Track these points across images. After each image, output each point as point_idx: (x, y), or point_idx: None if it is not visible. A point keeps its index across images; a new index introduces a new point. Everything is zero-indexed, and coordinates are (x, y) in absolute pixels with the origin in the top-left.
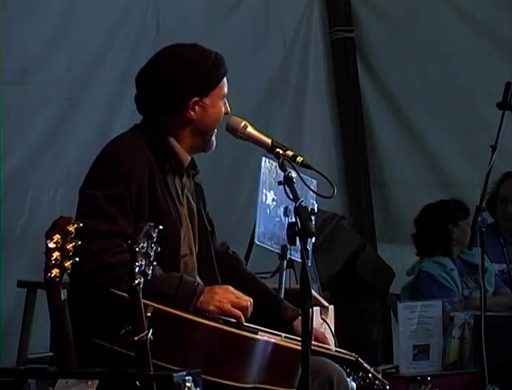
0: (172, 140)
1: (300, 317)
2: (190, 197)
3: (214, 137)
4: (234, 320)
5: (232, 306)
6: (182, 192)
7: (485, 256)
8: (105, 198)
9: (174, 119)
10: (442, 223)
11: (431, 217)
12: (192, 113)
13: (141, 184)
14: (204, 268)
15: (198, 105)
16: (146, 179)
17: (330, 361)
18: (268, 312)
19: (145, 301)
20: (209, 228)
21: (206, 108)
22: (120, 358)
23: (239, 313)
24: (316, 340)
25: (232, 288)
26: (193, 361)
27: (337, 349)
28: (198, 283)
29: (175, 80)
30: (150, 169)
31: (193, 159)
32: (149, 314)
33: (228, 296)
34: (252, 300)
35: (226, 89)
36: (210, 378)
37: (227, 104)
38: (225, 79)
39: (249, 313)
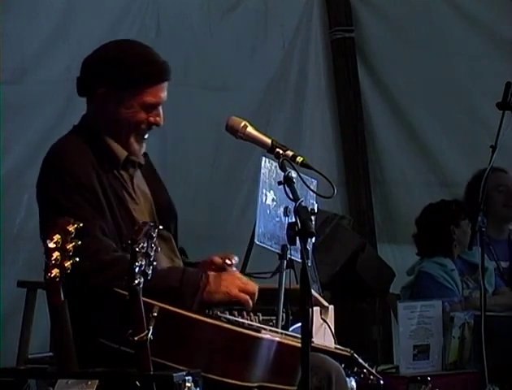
0: (105, 135)
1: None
2: (144, 187)
3: (136, 144)
4: (240, 309)
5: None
6: (132, 185)
7: (486, 256)
8: (74, 202)
9: (91, 104)
10: (443, 223)
11: (432, 217)
12: (101, 103)
13: (94, 185)
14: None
15: (109, 97)
16: (96, 181)
17: (328, 357)
18: None
19: (151, 301)
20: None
21: (120, 104)
22: (126, 358)
23: (246, 297)
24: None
25: (238, 274)
26: (198, 360)
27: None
28: (202, 274)
29: (95, 62)
30: (96, 171)
31: (128, 147)
32: (155, 314)
33: (235, 282)
34: (257, 287)
35: (152, 100)
36: (215, 377)
37: (158, 116)
38: (156, 89)
39: (256, 299)
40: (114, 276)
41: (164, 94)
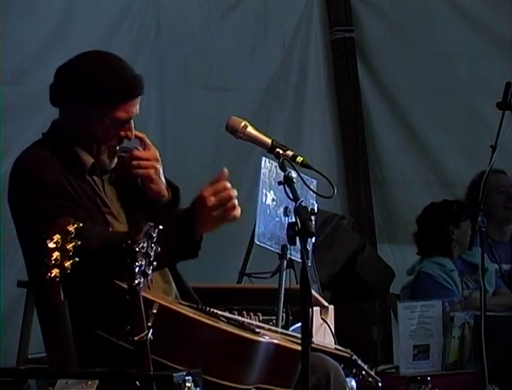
0: (72, 142)
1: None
2: (115, 189)
3: (107, 158)
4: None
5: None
6: (104, 189)
7: (486, 256)
8: (58, 207)
9: (62, 114)
10: (443, 223)
11: (432, 217)
12: (73, 115)
13: (67, 189)
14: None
15: (80, 110)
16: (66, 184)
17: (327, 356)
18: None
19: (151, 298)
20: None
21: (91, 118)
22: (124, 353)
23: (232, 214)
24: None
25: (205, 193)
26: (195, 360)
27: (333, 346)
28: (181, 214)
29: (68, 74)
30: (62, 174)
31: (99, 161)
32: (154, 311)
33: (212, 204)
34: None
35: (123, 116)
36: (210, 378)
37: (129, 130)
38: (128, 105)
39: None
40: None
41: (137, 108)
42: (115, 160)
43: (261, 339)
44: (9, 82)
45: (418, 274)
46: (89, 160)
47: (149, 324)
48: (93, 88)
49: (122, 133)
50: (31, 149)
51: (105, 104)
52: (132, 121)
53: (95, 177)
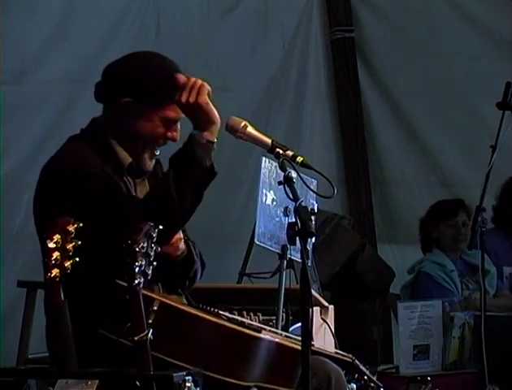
0: (113, 141)
1: None
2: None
3: (148, 158)
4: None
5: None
6: (135, 190)
7: (488, 258)
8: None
9: (110, 111)
10: (424, 222)
11: (424, 215)
12: (123, 112)
13: (98, 182)
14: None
15: (132, 108)
16: (102, 178)
17: (328, 360)
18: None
19: (151, 295)
20: None
21: (141, 117)
22: (125, 351)
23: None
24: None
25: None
26: (197, 356)
27: (335, 351)
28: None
29: (123, 71)
30: (101, 169)
31: (138, 162)
32: (155, 308)
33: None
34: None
35: (173, 115)
36: (212, 374)
37: (176, 131)
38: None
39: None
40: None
41: None
42: (153, 162)
43: (262, 336)
44: (9, 82)
45: (417, 273)
46: (127, 159)
47: (150, 321)
48: (148, 87)
49: (169, 134)
50: (70, 144)
51: (156, 102)
52: (178, 123)
53: (129, 178)
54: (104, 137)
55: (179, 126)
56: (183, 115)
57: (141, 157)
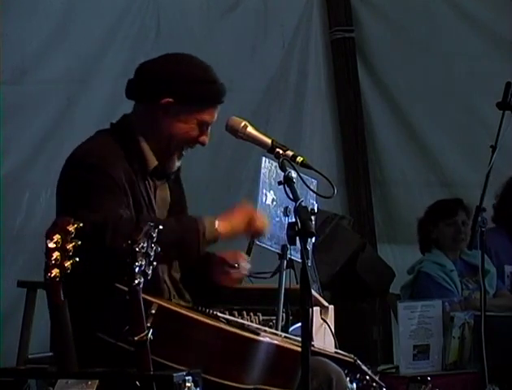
0: (142, 140)
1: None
2: (167, 200)
3: (177, 159)
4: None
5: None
6: (155, 194)
7: (488, 258)
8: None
9: (146, 110)
10: (423, 222)
11: (423, 215)
12: (162, 113)
13: (120, 176)
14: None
15: (171, 109)
16: (123, 176)
17: (329, 360)
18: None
19: (150, 298)
20: None
21: (178, 118)
22: (124, 354)
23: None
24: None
25: (245, 205)
26: (195, 360)
27: (336, 351)
28: (196, 219)
29: (164, 72)
30: (124, 166)
31: (165, 164)
32: (153, 312)
33: (246, 213)
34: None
35: (208, 120)
36: (211, 377)
37: (206, 136)
38: (213, 110)
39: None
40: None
41: (216, 116)
42: (179, 163)
43: (261, 338)
44: (9, 82)
45: (417, 273)
46: (154, 161)
47: (148, 325)
48: (190, 89)
49: (200, 138)
50: (97, 137)
51: (197, 105)
52: (209, 127)
53: (151, 181)
54: (133, 135)
55: (209, 130)
56: (215, 120)
57: (171, 157)
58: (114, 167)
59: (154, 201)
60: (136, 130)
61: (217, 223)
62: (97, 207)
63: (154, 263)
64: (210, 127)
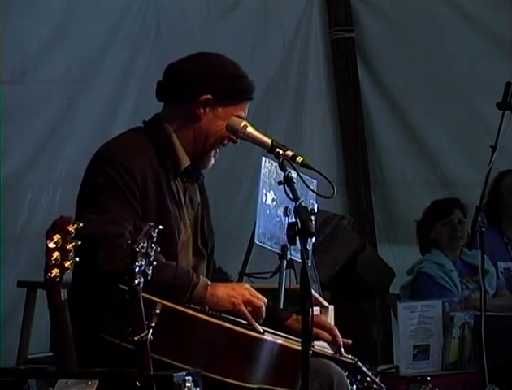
0: (175, 139)
1: (293, 316)
2: (196, 202)
3: (213, 157)
4: (244, 321)
5: (244, 302)
6: (184, 195)
7: (487, 258)
8: (108, 190)
9: (182, 109)
10: (421, 224)
11: (422, 215)
12: (201, 110)
13: (144, 178)
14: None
15: (209, 106)
16: (151, 176)
17: (331, 361)
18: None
19: (154, 298)
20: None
21: (216, 115)
22: (126, 354)
23: (245, 311)
24: (322, 327)
25: (247, 285)
26: (200, 359)
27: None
28: (193, 273)
29: (199, 70)
30: (153, 166)
31: (200, 162)
32: (158, 311)
33: (243, 292)
34: (265, 300)
35: (242, 115)
36: (215, 376)
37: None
38: (246, 105)
39: (263, 314)
40: (125, 269)
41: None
42: (214, 160)
43: (265, 337)
44: (9, 82)
45: (417, 274)
46: (186, 161)
47: (153, 324)
48: (225, 85)
49: (232, 136)
50: (129, 133)
51: (231, 101)
52: None
53: (181, 181)
54: (167, 133)
55: None
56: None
57: (207, 155)
58: (139, 165)
59: (183, 201)
60: (169, 129)
61: (208, 289)
62: (103, 212)
63: (154, 263)
64: None
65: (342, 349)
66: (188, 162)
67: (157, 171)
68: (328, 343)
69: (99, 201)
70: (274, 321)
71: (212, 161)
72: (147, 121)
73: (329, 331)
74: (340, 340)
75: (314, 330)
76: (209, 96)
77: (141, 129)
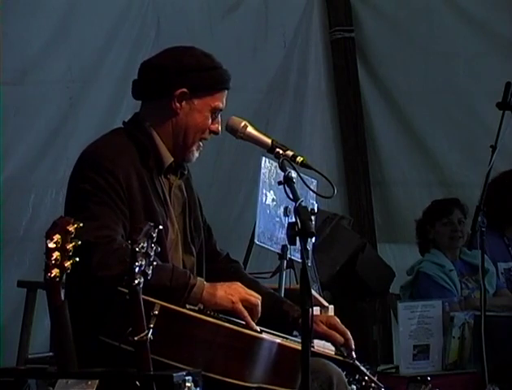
0: (156, 137)
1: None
2: (181, 198)
3: (196, 150)
4: (242, 321)
5: (241, 300)
6: (169, 192)
7: (487, 257)
8: (93, 196)
9: (159, 105)
10: (420, 224)
11: (420, 217)
12: (177, 104)
13: (128, 179)
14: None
15: (185, 99)
16: (134, 176)
17: (330, 361)
18: (274, 312)
19: (152, 299)
20: (202, 232)
21: (193, 108)
22: (126, 356)
23: (243, 310)
24: (335, 328)
25: (240, 284)
26: (199, 358)
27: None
28: (190, 274)
29: (171, 64)
30: (136, 166)
31: (183, 158)
32: (156, 312)
33: (239, 290)
34: (261, 298)
35: (220, 105)
36: (215, 376)
37: (218, 124)
38: (222, 95)
39: (259, 313)
40: (119, 273)
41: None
42: (198, 154)
43: (264, 336)
44: (9, 82)
45: (417, 274)
46: (169, 158)
47: (151, 326)
48: (199, 77)
49: (212, 126)
50: (110, 134)
51: (207, 92)
52: (220, 115)
53: (165, 179)
54: (148, 132)
55: (220, 118)
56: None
57: (190, 150)
58: (122, 166)
59: (168, 199)
60: (150, 127)
61: (206, 289)
62: (94, 218)
63: (154, 263)
64: (220, 116)
65: (354, 353)
66: (172, 159)
67: (140, 170)
68: (340, 345)
69: (88, 207)
70: (285, 320)
71: (196, 154)
72: (127, 121)
73: (342, 333)
74: (353, 343)
75: (327, 331)
76: (184, 89)
77: (121, 130)
